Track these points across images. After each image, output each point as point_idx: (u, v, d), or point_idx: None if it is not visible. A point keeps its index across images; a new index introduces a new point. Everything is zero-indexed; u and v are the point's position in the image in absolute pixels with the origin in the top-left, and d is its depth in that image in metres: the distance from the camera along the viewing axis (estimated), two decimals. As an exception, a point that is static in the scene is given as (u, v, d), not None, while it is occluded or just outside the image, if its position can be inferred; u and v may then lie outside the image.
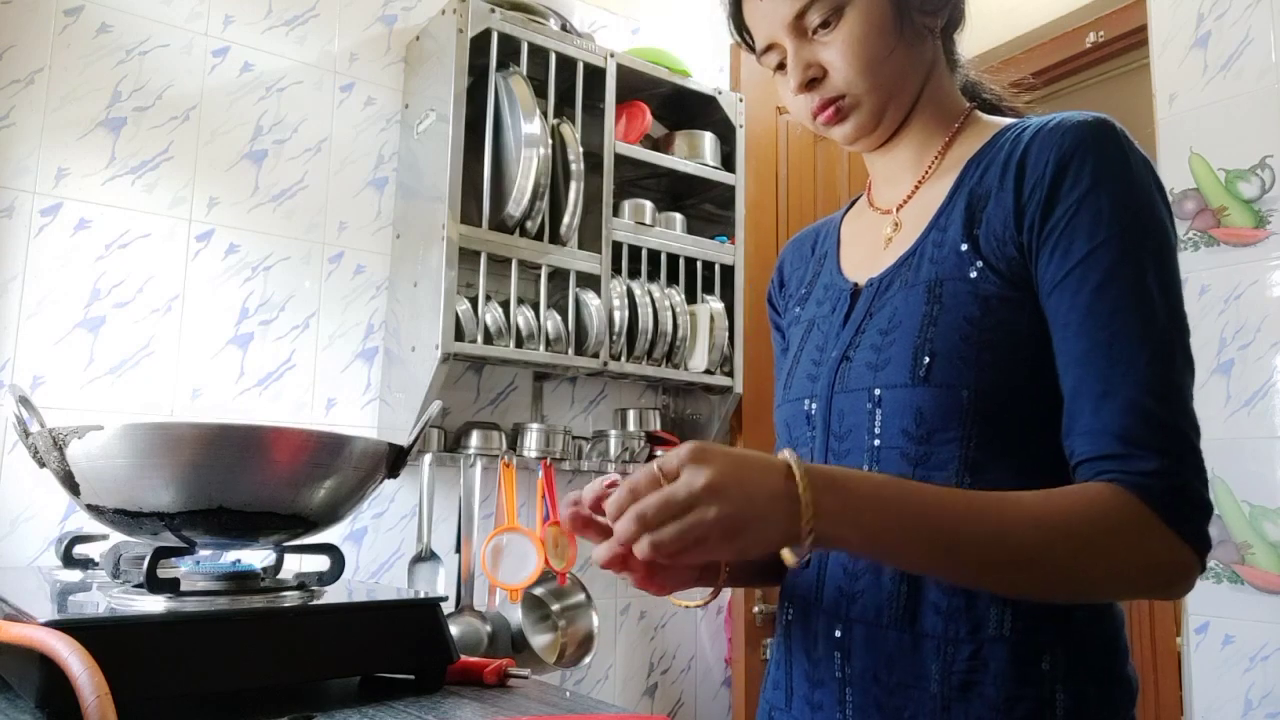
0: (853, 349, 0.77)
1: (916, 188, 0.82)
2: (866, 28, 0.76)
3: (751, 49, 0.84)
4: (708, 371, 1.96)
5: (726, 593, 2.18)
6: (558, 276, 1.79)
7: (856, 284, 0.82)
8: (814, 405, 0.80)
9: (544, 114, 1.72)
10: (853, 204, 0.94)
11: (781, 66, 0.81)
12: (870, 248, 0.85)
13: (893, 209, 0.84)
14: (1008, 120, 0.81)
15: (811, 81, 0.79)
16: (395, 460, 0.99)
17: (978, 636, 0.69)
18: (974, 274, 0.72)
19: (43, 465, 0.88)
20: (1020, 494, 0.65)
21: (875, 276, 0.80)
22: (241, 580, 0.91)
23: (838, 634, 0.75)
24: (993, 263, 0.72)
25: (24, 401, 0.91)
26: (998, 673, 0.68)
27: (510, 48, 1.75)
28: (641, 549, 0.59)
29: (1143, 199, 0.69)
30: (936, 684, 0.69)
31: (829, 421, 0.78)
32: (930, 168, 0.82)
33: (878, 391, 0.73)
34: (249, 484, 0.86)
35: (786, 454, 0.62)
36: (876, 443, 0.74)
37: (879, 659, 0.72)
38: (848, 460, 0.76)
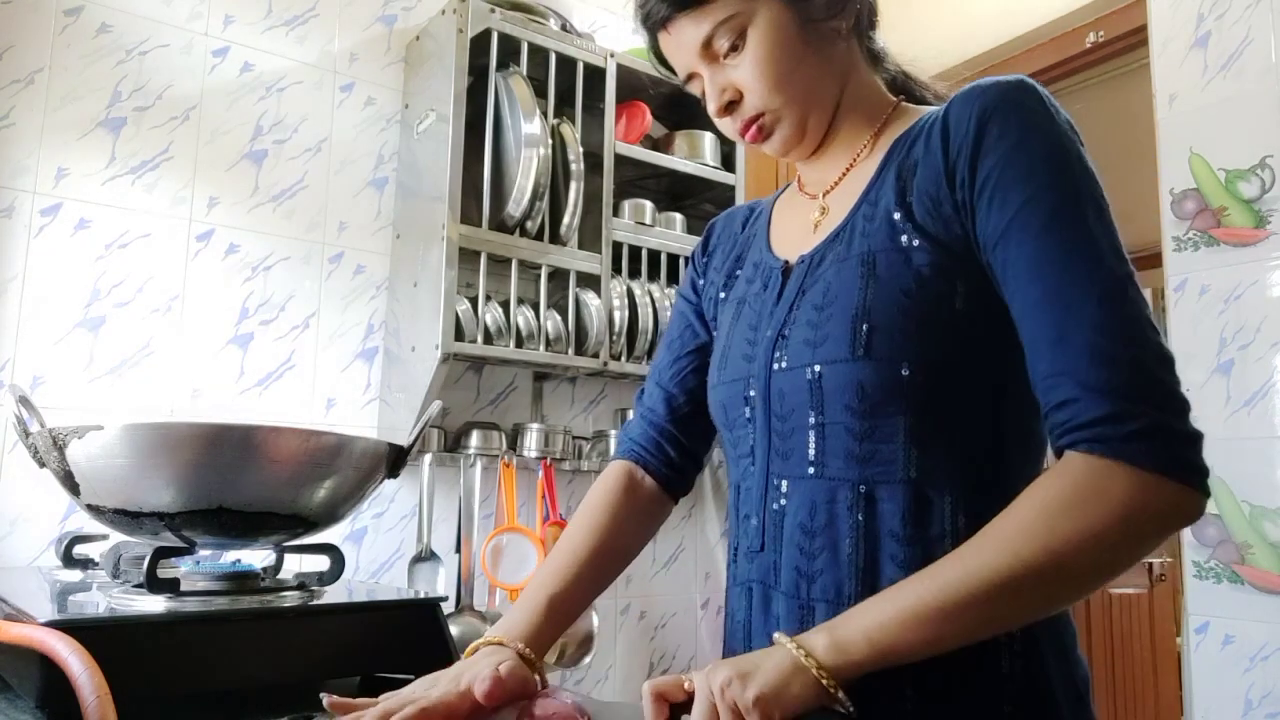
0: (788, 326, 0.77)
1: (845, 172, 0.83)
2: (770, 44, 0.76)
3: (675, 78, 0.85)
4: (708, 371, 1.96)
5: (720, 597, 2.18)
6: (558, 276, 1.79)
7: (787, 261, 0.82)
8: (752, 387, 0.79)
9: (544, 114, 1.72)
10: (784, 190, 0.95)
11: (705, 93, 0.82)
12: (800, 229, 0.85)
13: (819, 194, 0.84)
14: (934, 106, 0.81)
15: (730, 104, 0.80)
16: (395, 460, 0.99)
17: None
18: (905, 242, 0.72)
19: (43, 465, 0.88)
20: (1004, 518, 0.63)
21: (806, 253, 0.80)
22: (241, 580, 0.91)
23: (799, 617, 0.74)
24: (926, 227, 0.72)
25: (24, 401, 0.91)
26: (963, 660, 0.68)
27: (510, 48, 1.74)
28: None
29: (1071, 149, 0.69)
30: (897, 673, 0.70)
31: (769, 402, 0.78)
32: (858, 156, 0.82)
33: (817, 368, 0.73)
34: (249, 484, 0.86)
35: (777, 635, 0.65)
36: (820, 419, 0.73)
37: None
38: (792, 440, 0.76)
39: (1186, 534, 1.69)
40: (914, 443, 0.70)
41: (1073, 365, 0.63)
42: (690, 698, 0.64)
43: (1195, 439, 0.62)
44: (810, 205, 0.85)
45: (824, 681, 0.61)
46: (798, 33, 0.77)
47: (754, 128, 0.80)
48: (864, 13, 0.82)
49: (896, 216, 0.73)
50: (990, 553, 0.62)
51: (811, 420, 0.74)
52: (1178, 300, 1.71)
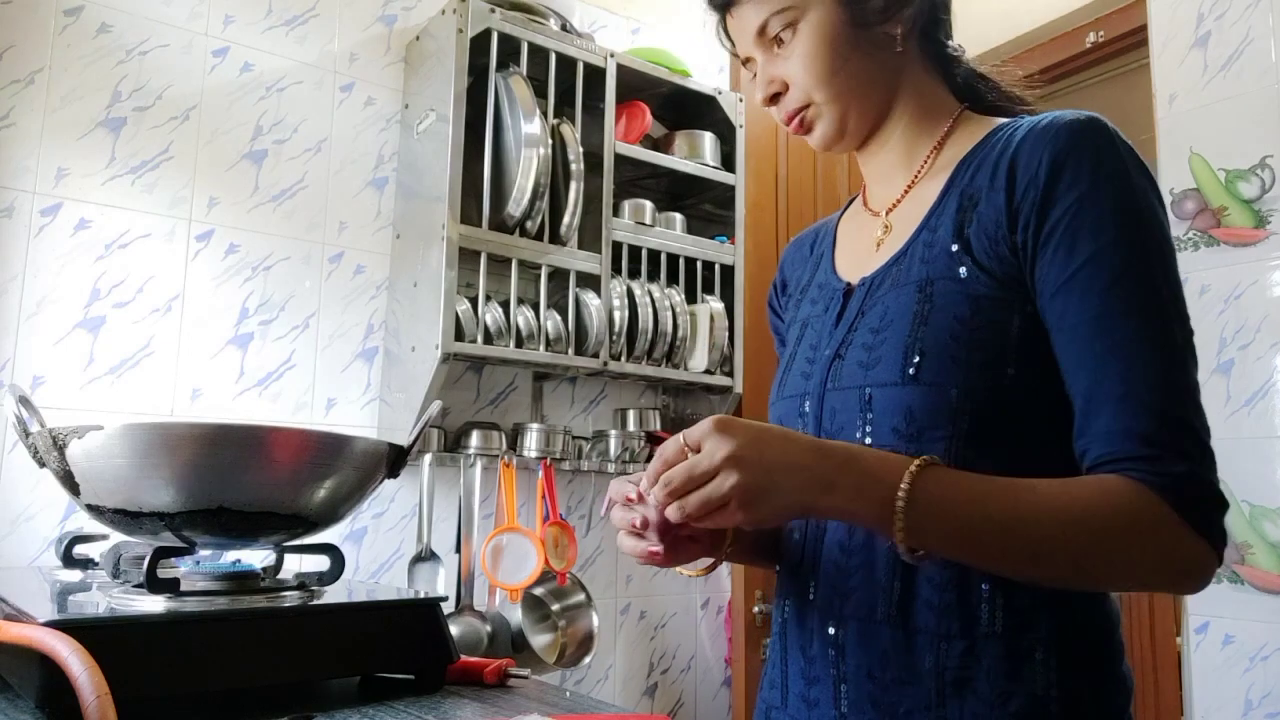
0: (845, 347, 0.79)
1: (908, 189, 0.83)
2: (818, 41, 0.79)
3: (738, 55, 0.88)
4: (708, 371, 1.96)
5: (726, 590, 2.18)
6: (558, 276, 1.79)
7: (849, 284, 0.84)
8: (807, 403, 0.81)
9: (544, 114, 1.72)
10: (850, 204, 0.95)
11: None
12: (863, 249, 0.86)
13: (883, 211, 0.85)
14: (1000, 120, 0.81)
15: (775, 95, 0.84)
16: (395, 460, 0.99)
17: (971, 633, 0.70)
18: (964, 273, 0.73)
19: (43, 465, 0.88)
20: (1037, 482, 0.66)
21: (867, 276, 0.81)
22: (241, 580, 0.91)
23: (832, 631, 0.76)
24: (983, 262, 0.72)
25: (24, 401, 0.91)
26: (990, 668, 0.69)
27: (510, 48, 1.74)
28: (672, 513, 0.65)
29: (1142, 199, 0.69)
30: (931, 680, 0.70)
31: (820, 418, 0.79)
32: (922, 169, 0.83)
33: (868, 390, 0.74)
34: (249, 484, 0.86)
35: (917, 462, 0.66)
36: (868, 440, 0.74)
37: (873, 655, 0.73)
38: None
39: (1186, 534, 1.69)
40: (958, 466, 0.70)
41: (1140, 424, 0.65)
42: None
43: (1226, 510, 0.66)
44: (874, 223, 0.86)
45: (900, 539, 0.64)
46: (846, 33, 0.79)
47: (796, 119, 0.83)
48: (930, 18, 0.83)
49: (954, 248, 0.74)
50: (1046, 516, 0.65)
51: (859, 439, 0.75)
52: (1178, 300, 1.70)
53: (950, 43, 0.86)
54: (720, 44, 0.90)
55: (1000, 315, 0.71)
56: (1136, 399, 0.65)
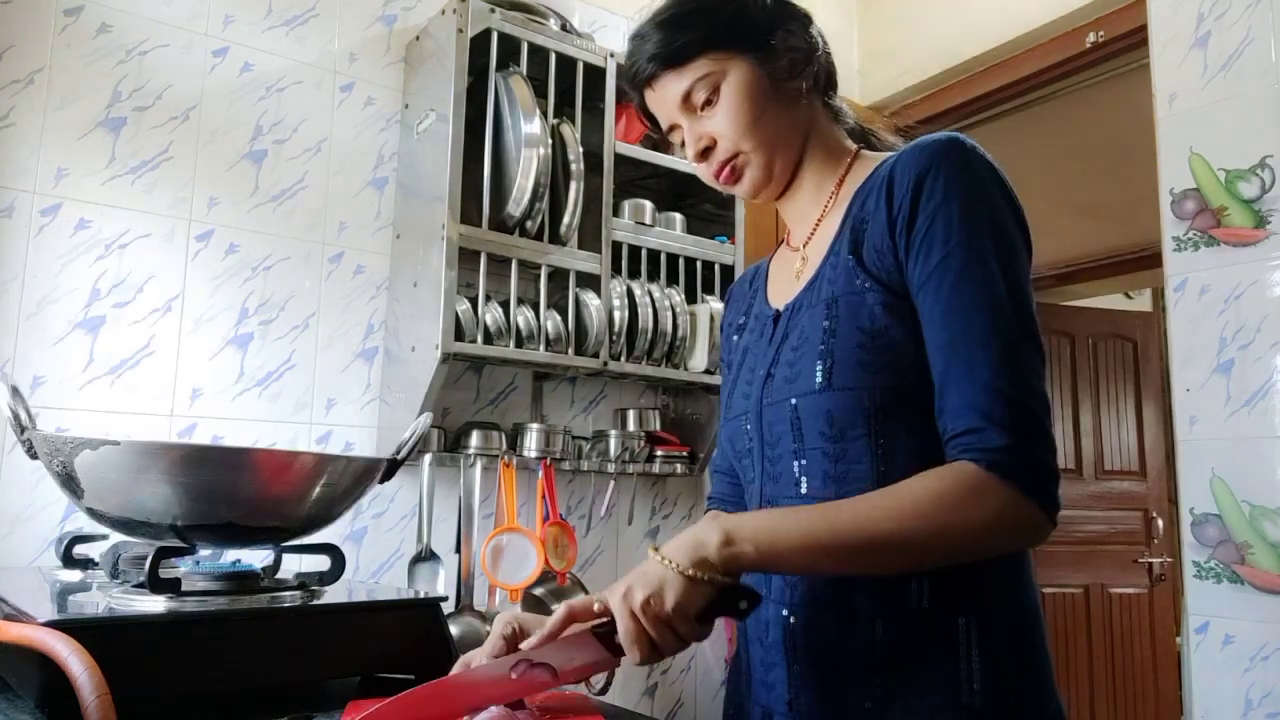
0: (774, 366, 0.89)
1: (818, 224, 0.93)
2: (740, 96, 0.88)
3: (660, 131, 0.96)
4: (708, 371, 1.96)
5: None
6: (558, 276, 1.79)
7: (777, 310, 0.94)
8: (749, 421, 0.91)
9: (544, 114, 1.72)
10: (779, 246, 1.05)
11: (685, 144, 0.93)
12: (788, 280, 0.96)
13: (801, 246, 0.94)
14: (887, 154, 0.90)
15: (705, 151, 0.91)
16: (387, 471, 1.01)
17: (904, 608, 0.79)
18: (862, 287, 0.82)
19: (35, 457, 0.88)
20: (901, 491, 0.74)
21: (790, 302, 0.92)
22: (241, 580, 0.91)
23: (785, 615, 0.85)
24: (877, 275, 0.82)
25: (14, 391, 0.92)
26: (922, 637, 0.78)
27: (510, 48, 1.74)
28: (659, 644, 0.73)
29: (984, 208, 0.79)
30: (869, 653, 0.79)
31: (762, 432, 0.89)
32: (828, 205, 0.93)
33: (794, 401, 0.84)
34: (254, 502, 0.88)
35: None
36: (801, 445, 0.84)
37: (821, 636, 0.82)
38: (780, 464, 0.87)
39: (1187, 534, 1.69)
40: (879, 460, 0.80)
41: (978, 400, 0.74)
42: (599, 616, 0.75)
43: (1058, 476, 0.74)
44: (794, 257, 0.95)
45: (718, 579, 0.73)
46: (764, 88, 0.89)
47: (726, 169, 0.91)
48: (821, 76, 0.94)
49: (852, 264, 0.84)
50: (881, 515, 0.73)
51: (794, 446, 0.85)
52: (1178, 300, 1.70)
53: (837, 100, 0.97)
54: (641, 118, 0.97)
55: (896, 321, 0.80)
56: (974, 379, 0.74)
